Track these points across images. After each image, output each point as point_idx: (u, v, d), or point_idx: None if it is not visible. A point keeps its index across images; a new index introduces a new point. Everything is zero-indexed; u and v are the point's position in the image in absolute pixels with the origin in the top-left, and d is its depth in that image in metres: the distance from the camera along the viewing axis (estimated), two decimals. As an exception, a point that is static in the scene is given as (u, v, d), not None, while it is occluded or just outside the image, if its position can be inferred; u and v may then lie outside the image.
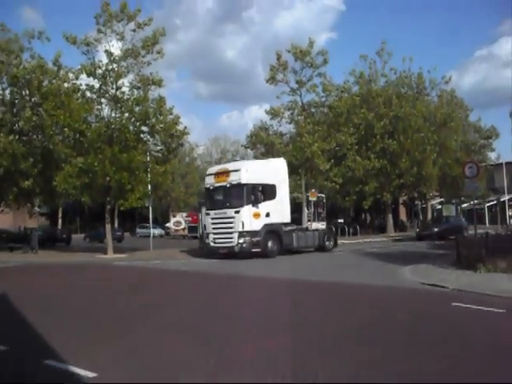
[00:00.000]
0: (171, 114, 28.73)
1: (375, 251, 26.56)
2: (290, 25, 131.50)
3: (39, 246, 31.05)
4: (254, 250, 24.02)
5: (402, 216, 60.60)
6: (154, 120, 28.11)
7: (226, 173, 25.35)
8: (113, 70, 27.41)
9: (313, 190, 33.89)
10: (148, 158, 28.60)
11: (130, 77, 28.08)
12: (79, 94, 28.07)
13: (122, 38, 27.43)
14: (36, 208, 39.30)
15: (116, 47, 27.46)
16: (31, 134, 31.30)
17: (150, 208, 31.85)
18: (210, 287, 15.21)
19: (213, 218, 25.22)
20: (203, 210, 27.03)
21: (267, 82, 35.27)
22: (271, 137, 35.87)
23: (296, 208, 33.31)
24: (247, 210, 24.02)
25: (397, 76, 45.34)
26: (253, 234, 24.00)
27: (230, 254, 24.34)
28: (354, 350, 7.12)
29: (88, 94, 28.00)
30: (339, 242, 31.51)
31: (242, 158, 61.88)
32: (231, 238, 24.13)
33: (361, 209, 54.72)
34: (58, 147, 29.02)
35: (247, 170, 24.86)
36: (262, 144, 37.47)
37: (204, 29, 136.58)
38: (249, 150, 52.43)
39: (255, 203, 24.29)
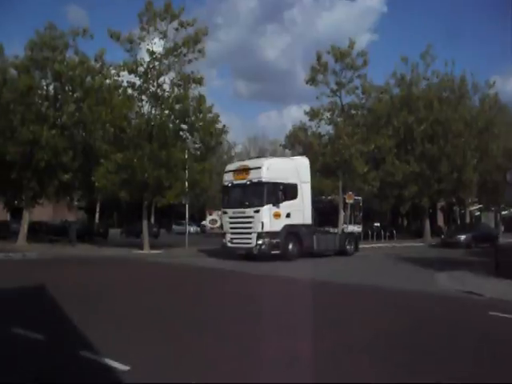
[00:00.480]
0: (211, 112, 28.88)
1: (410, 256, 26.08)
2: (331, 26, 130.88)
3: (77, 239, 31.63)
4: (273, 252, 22.93)
5: (440, 221, 59.66)
6: (193, 118, 28.35)
7: (246, 170, 24.01)
8: (154, 67, 27.70)
9: (350, 193, 33.73)
10: (186, 156, 28.73)
11: (171, 74, 28.33)
12: (121, 91, 28.44)
13: (164, 36, 27.70)
14: (75, 202, 39.90)
15: (158, 45, 27.74)
16: (73, 128, 31.68)
17: (187, 205, 31.95)
18: (237, 287, 15.25)
19: (230, 218, 24.06)
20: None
21: (307, 82, 34.91)
22: (310, 137, 35.61)
23: (332, 210, 33.18)
24: (267, 210, 22.74)
25: (439, 79, 44.49)
26: (272, 235, 22.77)
27: (247, 255, 23.48)
28: (386, 352, 7.06)
29: (129, 90, 28.34)
30: (375, 245, 31.17)
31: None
32: (249, 239, 22.95)
33: (398, 213, 54.09)
34: (98, 142, 29.36)
35: (268, 167, 23.49)
36: (301, 144, 37.25)
37: (245, 28, 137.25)
38: (287, 150, 52.36)
39: (276, 203, 23.01)
